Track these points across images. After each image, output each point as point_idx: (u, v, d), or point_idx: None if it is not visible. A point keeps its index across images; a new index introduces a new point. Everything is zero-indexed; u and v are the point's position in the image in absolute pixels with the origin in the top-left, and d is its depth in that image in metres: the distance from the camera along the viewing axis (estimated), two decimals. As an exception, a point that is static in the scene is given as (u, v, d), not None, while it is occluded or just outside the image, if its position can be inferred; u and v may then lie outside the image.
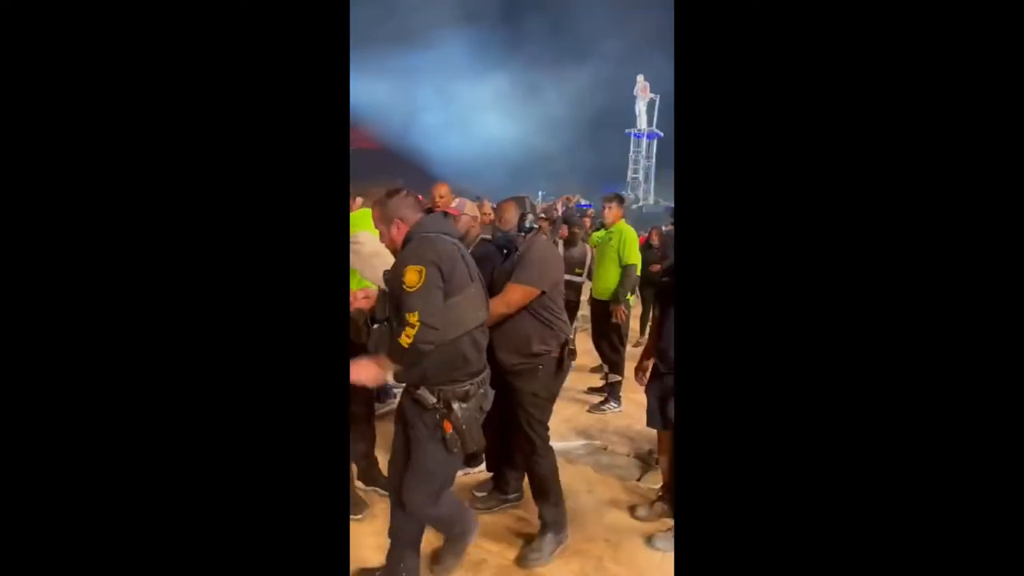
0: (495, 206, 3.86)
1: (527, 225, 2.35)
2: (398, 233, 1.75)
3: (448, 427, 1.70)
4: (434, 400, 1.72)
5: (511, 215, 2.37)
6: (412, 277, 1.56)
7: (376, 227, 1.82)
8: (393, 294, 1.66)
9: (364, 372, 1.69)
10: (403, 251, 1.70)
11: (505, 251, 2.38)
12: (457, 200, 2.87)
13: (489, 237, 2.68)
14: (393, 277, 1.65)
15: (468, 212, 2.78)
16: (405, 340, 1.56)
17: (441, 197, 3.64)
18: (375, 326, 1.73)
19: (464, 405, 1.72)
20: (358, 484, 2.86)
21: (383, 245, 1.93)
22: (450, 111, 14.91)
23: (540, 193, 8.82)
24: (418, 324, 1.54)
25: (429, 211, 3.67)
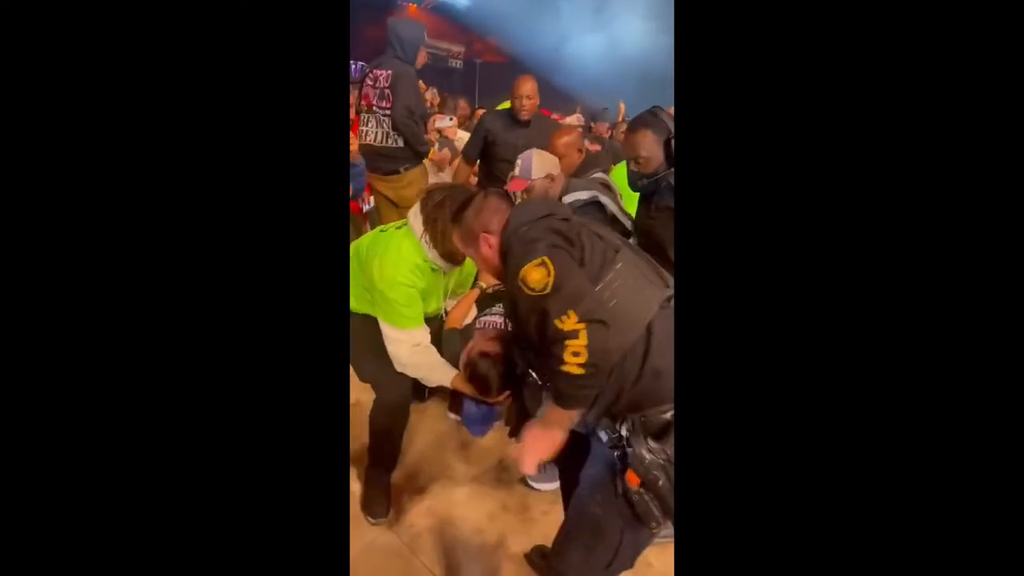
0: (590, 123, 2.69)
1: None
2: (490, 249, 1.23)
3: (633, 480, 1.03)
4: (610, 437, 1.10)
5: (651, 147, 1.62)
6: (537, 276, 1.05)
7: (464, 251, 1.36)
8: (526, 323, 1.12)
9: (538, 446, 1.12)
10: (508, 266, 1.15)
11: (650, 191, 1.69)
12: (521, 160, 2.04)
13: (578, 198, 1.93)
14: (515, 299, 1.12)
15: (536, 174, 1.98)
16: (573, 363, 1.00)
17: (528, 98, 2.79)
18: (528, 379, 1.20)
19: (657, 445, 1.03)
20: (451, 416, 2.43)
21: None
22: (597, 19, 13.85)
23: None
24: (582, 327, 0.99)
25: (507, 112, 2.87)
